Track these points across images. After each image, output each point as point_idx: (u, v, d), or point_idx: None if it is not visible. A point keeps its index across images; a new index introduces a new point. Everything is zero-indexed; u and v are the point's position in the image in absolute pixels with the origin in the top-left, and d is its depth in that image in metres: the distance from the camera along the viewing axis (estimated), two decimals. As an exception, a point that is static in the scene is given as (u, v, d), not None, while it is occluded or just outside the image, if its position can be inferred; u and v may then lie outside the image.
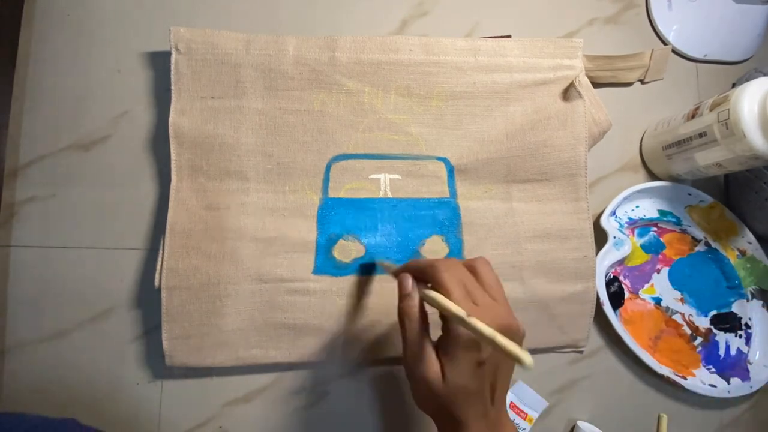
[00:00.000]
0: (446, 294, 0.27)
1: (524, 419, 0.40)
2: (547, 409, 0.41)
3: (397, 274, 0.32)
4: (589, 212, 0.42)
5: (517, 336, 0.28)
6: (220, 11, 0.42)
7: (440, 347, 0.29)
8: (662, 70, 0.46)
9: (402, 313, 0.30)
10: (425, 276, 0.30)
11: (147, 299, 0.38)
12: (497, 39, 0.42)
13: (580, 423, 0.42)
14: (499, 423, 0.30)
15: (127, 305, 0.38)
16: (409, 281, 0.30)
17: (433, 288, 0.29)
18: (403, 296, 0.30)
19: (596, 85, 0.44)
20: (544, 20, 0.46)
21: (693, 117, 0.40)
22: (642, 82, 0.47)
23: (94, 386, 0.38)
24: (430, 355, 0.29)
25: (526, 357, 0.22)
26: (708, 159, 0.40)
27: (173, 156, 0.37)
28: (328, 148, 0.39)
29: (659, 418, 0.40)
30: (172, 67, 0.37)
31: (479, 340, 0.26)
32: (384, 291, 0.39)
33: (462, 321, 0.25)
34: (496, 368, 0.29)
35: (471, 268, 0.30)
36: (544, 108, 0.41)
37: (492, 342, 0.24)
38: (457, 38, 0.41)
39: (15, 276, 0.38)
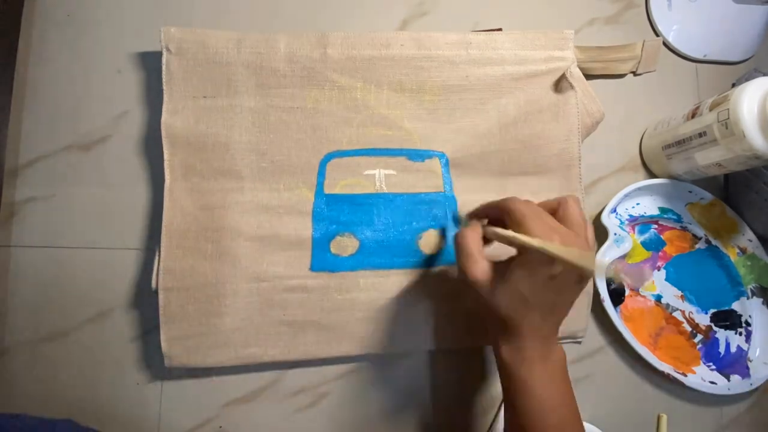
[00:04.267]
0: (527, 233, 0.28)
1: (524, 419, 0.40)
2: (547, 409, 0.41)
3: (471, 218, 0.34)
4: (584, 203, 0.42)
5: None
6: (220, 12, 0.42)
7: (511, 262, 0.30)
8: (654, 62, 0.46)
9: (457, 237, 0.32)
10: (505, 219, 0.31)
11: (147, 299, 0.38)
12: (488, 32, 0.42)
13: (580, 422, 0.42)
14: (550, 341, 0.31)
15: (127, 305, 0.38)
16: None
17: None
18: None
19: (589, 76, 0.44)
20: (544, 20, 0.46)
21: (693, 117, 0.40)
22: (634, 73, 0.46)
23: (94, 387, 0.38)
24: (481, 259, 0.30)
25: (589, 264, 0.25)
26: (708, 159, 0.40)
27: (166, 156, 0.37)
28: (322, 144, 0.39)
29: (659, 419, 0.40)
30: (164, 67, 0.37)
31: (551, 255, 0.27)
32: (382, 286, 0.39)
33: (531, 244, 0.27)
34: (560, 289, 0.30)
35: (557, 206, 0.31)
36: (537, 100, 0.41)
37: (557, 256, 0.26)
38: (448, 32, 0.40)
39: (15, 276, 0.38)
